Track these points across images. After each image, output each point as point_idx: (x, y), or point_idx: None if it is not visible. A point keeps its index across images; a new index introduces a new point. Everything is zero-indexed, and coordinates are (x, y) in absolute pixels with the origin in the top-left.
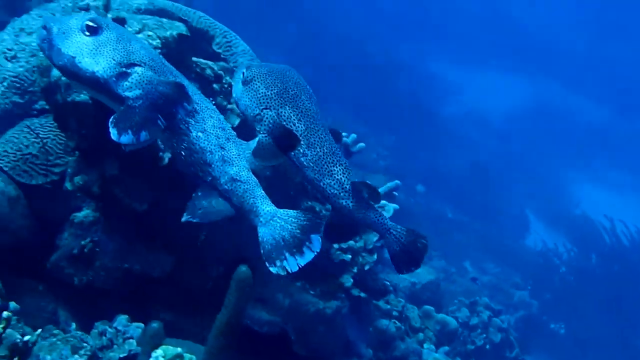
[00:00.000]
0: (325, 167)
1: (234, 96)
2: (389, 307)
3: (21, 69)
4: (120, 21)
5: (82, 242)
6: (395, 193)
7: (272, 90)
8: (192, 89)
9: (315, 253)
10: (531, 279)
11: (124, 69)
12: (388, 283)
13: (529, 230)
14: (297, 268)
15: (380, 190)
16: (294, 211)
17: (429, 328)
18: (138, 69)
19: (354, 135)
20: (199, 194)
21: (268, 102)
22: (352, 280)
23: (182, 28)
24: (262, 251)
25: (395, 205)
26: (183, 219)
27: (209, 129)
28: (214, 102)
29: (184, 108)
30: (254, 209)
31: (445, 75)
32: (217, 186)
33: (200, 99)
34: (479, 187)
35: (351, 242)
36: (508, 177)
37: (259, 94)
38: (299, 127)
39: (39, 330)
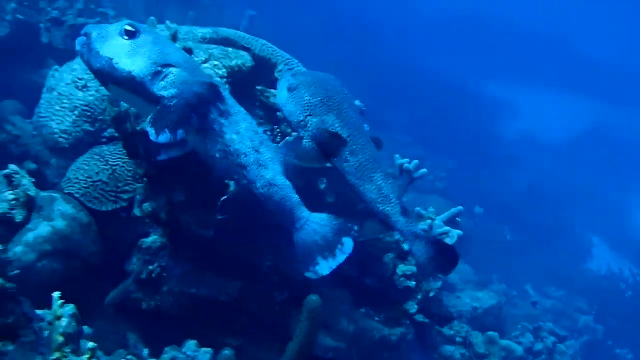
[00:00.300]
0: (366, 173)
1: (279, 103)
2: (452, 332)
3: (91, 98)
4: (188, 51)
5: (150, 268)
6: (459, 219)
7: (316, 97)
8: (226, 92)
9: (347, 255)
10: (596, 303)
11: (159, 69)
12: (453, 310)
13: (591, 254)
14: (329, 271)
15: (443, 216)
16: (326, 215)
17: (494, 355)
18: (173, 70)
19: (416, 162)
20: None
21: (312, 110)
22: (417, 307)
23: (246, 58)
24: (297, 254)
25: (459, 232)
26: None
27: (242, 132)
28: (278, 130)
29: (218, 109)
30: (291, 215)
31: (503, 97)
32: (254, 190)
33: (233, 102)
34: (538, 209)
35: (415, 269)
36: (568, 199)
37: (304, 101)
38: (342, 134)
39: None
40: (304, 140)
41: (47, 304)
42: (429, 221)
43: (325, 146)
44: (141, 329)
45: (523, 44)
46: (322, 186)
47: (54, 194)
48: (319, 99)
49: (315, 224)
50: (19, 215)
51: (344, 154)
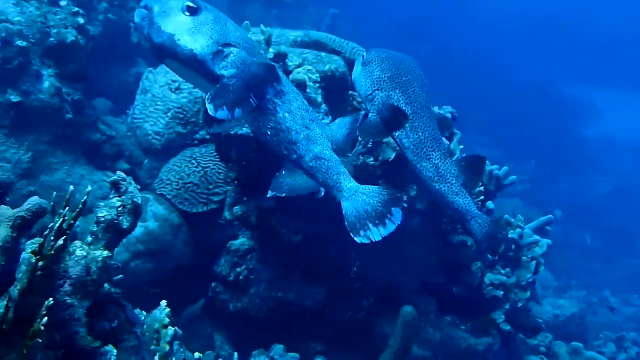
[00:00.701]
0: (425, 151)
1: (353, 77)
2: (536, 342)
3: (184, 100)
4: (282, 56)
5: (238, 270)
6: (549, 228)
7: (386, 74)
8: (280, 72)
9: (397, 225)
10: None
11: (220, 49)
12: (541, 320)
13: None
14: (381, 238)
15: (532, 225)
16: (376, 187)
17: None
18: (234, 50)
19: (505, 168)
20: (283, 172)
21: (380, 85)
22: (504, 316)
23: (339, 62)
24: (346, 223)
25: (549, 241)
26: (269, 195)
27: (294, 110)
28: None
29: (274, 89)
30: (338, 184)
31: (584, 98)
32: (302, 164)
33: (287, 82)
34: (620, 213)
35: (504, 278)
36: None
37: (374, 76)
38: (405, 110)
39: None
40: (370, 114)
41: (139, 303)
42: (518, 230)
43: (388, 120)
44: (227, 331)
45: (605, 44)
46: (413, 192)
47: (147, 195)
48: (389, 75)
49: (364, 194)
50: (125, 222)
51: (405, 129)
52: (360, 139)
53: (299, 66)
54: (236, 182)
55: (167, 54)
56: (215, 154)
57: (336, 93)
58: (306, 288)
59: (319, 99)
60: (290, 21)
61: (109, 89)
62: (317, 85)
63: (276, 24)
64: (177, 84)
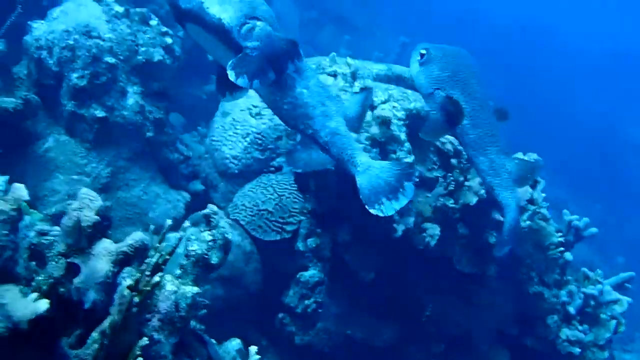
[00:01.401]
0: (483, 146)
1: (411, 74)
2: None
3: (264, 126)
4: (368, 90)
5: (306, 302)
6: (629, 285)
7: (444, 72)
8: (300, 49)
9: (408, 199)
10: None
11: (247, 21)
12: None
13: None
14: (394, 212)
15: (612, 281)
16: (388, 162)
17: None
18: (259, 23)
19: (586, 220)
20: (298, 147)
21: (440, 84)
22: None
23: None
24: (361, 196)
25: (629, 299)
26: (285, 169)
27: (312, 87)
28: (451, 176)
29: (294, 64)
30: (352, 159)
31: None
32: (318, 139)
33: (304, 59)
34: None
35: (580, 335)
36: None
37: (433, 75)
38: (465, 108)
39: None
40: (431, 112)
41: (207, 329)
42: (598, 286)
43: (448, 117)
44: None
45: None
46: (492, 239)
47: (220, 219)
48: (447, 74)
49: (377, 169)
50: (215, 257)
51: (465, 126)
52: (440, 179)
53: (384, 102)
54: (312, 213)
55: (193, 19)
56: (291, 182)
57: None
58: (375, 327)
59: (403, 136)
60: (361, 47)
61: (182, 104)
62: (402, 122)
63: (346, 50)
64: (257, 109)
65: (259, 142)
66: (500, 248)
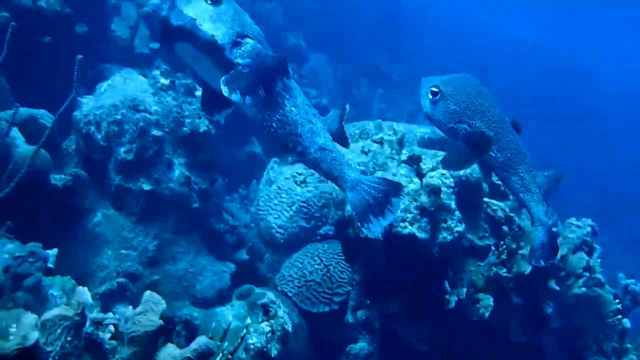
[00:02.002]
0: (512, 166)
1: (425, 110)
2: None
3: (309, 194)
4: (416, 159)
5: None
6: None
7: (460, 105)
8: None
9: (395, 214)
10: None
11: (239, 39)
12: None
13: None
14: (382, 229)
15: None
16: (376, 177)
17: None
18: (250, 41)
19: None
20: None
21: (459, 117)
22: None
23: (474, 167)
24: (353, 213)
25: None
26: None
27: (299, 104)
28: (503, 244)
29: (283, 82)
30: (342, 174)
31: None
32: (307, 155)
33: (291, 78)
34: None
35: None
36: None
37: (450, 110)
38: (489, 134)
39: None
40: (458, 143)
41: None
42: None
43: (476, 148)
44: None
45: None
46: (549, 310)
47: (268, 292)
48: (464, 105)
49: (365, 185)
50: (274, 350)
51: (493, 151)
52: (492, 248)
53: (432, 169)
54: (361, 285)
55: (184, 37)
56: (338, 251)
57: (469, 198)
58: None
59: (452, 205)
60: (394, 101)
61: (222, 165)
62: (451, 190)
63: (380, 104)
64: (302, 177)
65: (305, 210)
66: (534, 259)
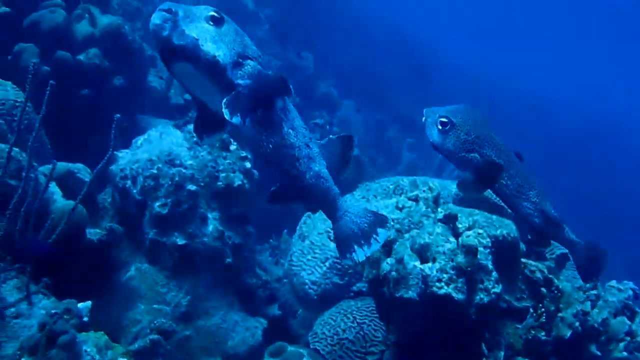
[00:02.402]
0: (523, 192)
1: (432, 140)
2: None
3: None
4: (452, 217)
5: None
6: None
7: (471, 135)
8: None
9: (381, 244)
10: None
11: (240, 60)
12: None
13: None
14: (364, 258)
15: None
16: (363, 208)
17: None
18: (250, 62)
19: None
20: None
21: (470, 146)
22: None
23: (511, 227)
24: (336, 243)
25: None
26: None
27: (297, 127)
28: (542, 307)
29: (283, 103)
30: (333, 204)
31: None
32: (302, 180)
33: (288, 100)
34: None
35: None
36: None
37: (461, 139)
38: (499, 162)
39: None
40: (467, 174)
41: None
42: None
43: (488, 176)
44: None
45: None
46: None
47: (300, 350)
48: (474, 136)
49: (352, 215)
50: None
51: (504, 179)
52: (531, 310)
53: (468, 228)
54: (395, 345)
55: (185, 56)
56: (372, 309)
57: (506, 259)
58: None
59: (489, 265)
60: (423, 149)
61: (254, 216)
62: (488, 250)
63: (409, 153)
64: None
65: (339, 267)
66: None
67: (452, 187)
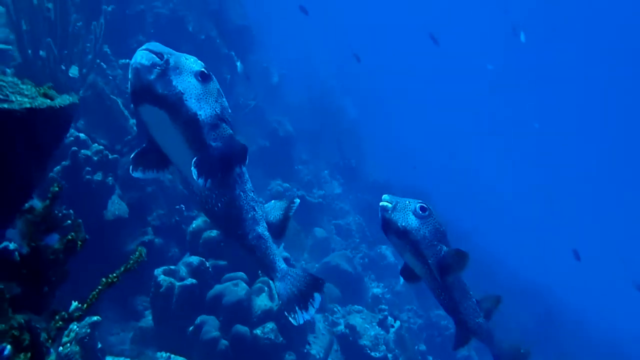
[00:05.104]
0: (467, 289)
1: (405, 224)
2: None
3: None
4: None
5: None
6: None
7: (442, 226)
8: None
9: (316, 308)
10: None
11: (217, 122)
12: None
13: None
14: (304, 321)
15: None
16: (301, 270)
17: None
18: (224, 125)
19: None
20: None
21: (441, 236)
22: None
23: None
24: (280, 301)
25: None
26: None
27: (247, 191)
28: None
29: (240, 167)
30: (273, 265)
31: None
32: (243, 239)
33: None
34: None
35: None
36: None
37: (436, 227)
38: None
39: None
40: (430, 260)
41: None
42: None
43: (451, 265)
44: None
45: None
46: None
47: None
48: (443, 228)
49: (291, 277)
50: None
51: (457, 277)
52: None
53: None
54: None
55: (166, 105)
56: None
57: None
58: None
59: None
60: None
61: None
62: None
63: None
64: None
65: None
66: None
67: None
